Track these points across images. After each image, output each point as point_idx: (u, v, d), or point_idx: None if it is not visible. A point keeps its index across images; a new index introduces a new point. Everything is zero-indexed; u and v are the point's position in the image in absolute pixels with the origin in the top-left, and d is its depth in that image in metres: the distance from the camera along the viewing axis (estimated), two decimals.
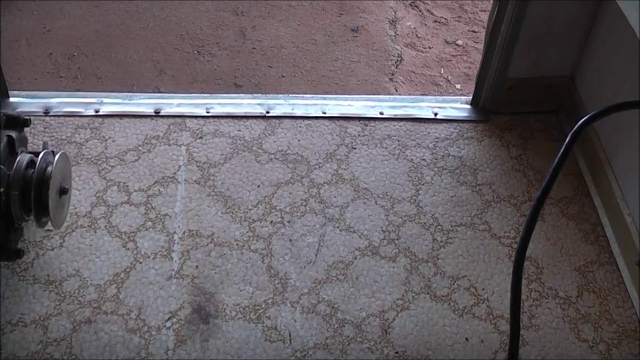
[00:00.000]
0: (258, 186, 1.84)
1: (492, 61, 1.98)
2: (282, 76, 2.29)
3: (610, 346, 1.58)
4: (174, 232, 1.72)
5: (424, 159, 1.94)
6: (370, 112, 2.06)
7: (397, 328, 1.58)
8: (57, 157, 1.56)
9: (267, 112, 2.03)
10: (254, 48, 2.38)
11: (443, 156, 1.95)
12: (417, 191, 1.86)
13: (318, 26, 2.49)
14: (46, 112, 1.98)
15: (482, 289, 1.66)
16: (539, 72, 2.01)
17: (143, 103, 2.04)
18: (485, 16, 2.56)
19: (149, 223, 1.74)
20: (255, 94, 2.13)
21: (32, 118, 1.74)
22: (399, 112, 2.06)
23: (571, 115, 2.02)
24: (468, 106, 2.11)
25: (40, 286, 1.60)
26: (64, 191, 1.58)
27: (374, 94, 2.22)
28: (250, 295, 1.62)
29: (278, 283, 1.64)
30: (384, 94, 2.23)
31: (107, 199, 1.78)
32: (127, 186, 1.81)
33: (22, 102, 2.01)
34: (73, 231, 1.71)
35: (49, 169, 1.53)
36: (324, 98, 2.12)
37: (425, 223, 1.79)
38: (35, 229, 1.68)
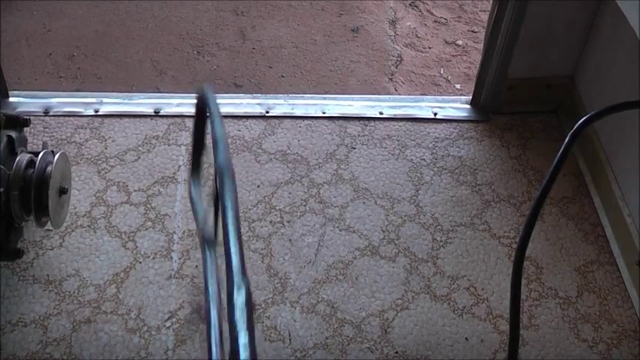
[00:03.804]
0: (258, 186, 1.84)
1: (492, 61, 1.97)
2: (282, 76, 2.29)
3: (610, 346, 1.58)
4: (174, 232, 1.72)
5: (424, 159, 1.94)
6: (370, 112, 2.06)
7: (397, 328, 1.58)
8: (57, 157, 1.56)
9: (267, 112, 2.03)
10: (254, 48, 2.38)
11: (443, 156, 1.95)
12: (417, 191, 1.86)
13: (318, 26, 2.49)
14: (46, 112, 1.98)
15: (482, 289, 1.66)
16: (539, 72, 2.01)
17: (143, 103, 2.04)
18: (485, 16, 2.56)
19: (149, 223, 1.74)
20: (255, 94, 2.13)
21: (32, 118, 1.74)
22: (398, 112, 2.06)
23: (571, 115, 2.01)
24: (468, 106, 2.11)
25: (40, 286, 1.60)
26: (63, 191, 1.58)
27: (374, 94, 2.22)
28: None
29: (278, 283, 1.64)
30: (384, 94, 2.23)
31: (107, 199, 1.78)
32: (127, 186, 1.81)
33: (22, 102, 2.01)
34: (72, 231, 1.71)
35: (49, 169, 1.53)
36: (324, 98, 2.12)
37: (425, 223, 1.79)
38: (35, 229, 1.68)
